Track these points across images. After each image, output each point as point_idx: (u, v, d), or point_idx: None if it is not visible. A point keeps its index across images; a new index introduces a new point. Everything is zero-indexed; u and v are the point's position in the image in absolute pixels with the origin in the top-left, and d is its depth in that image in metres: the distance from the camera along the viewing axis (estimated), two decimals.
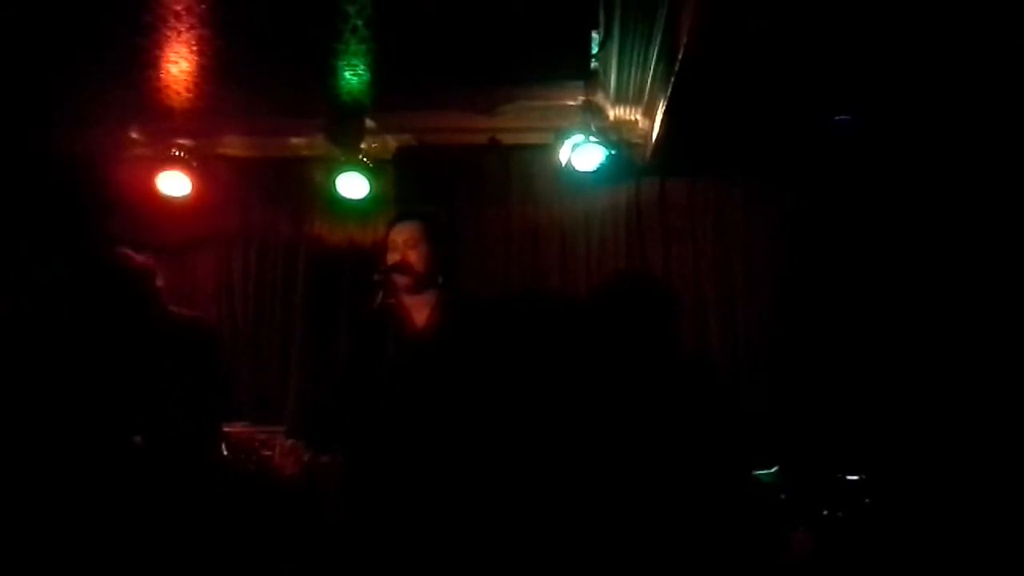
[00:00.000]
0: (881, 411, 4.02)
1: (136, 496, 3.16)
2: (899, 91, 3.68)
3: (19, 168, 4.61)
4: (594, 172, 4.39)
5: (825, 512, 3.51)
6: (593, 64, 3.91)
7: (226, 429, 3.66)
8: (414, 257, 3.17)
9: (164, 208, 4.56)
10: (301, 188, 4.80)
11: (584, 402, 4.23)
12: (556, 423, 4.10)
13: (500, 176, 4.74)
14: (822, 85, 3.64)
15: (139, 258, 3.54)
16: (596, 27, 3.57)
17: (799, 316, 4.36)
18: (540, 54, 3.85)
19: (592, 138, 4.29)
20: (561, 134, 4.37)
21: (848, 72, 3.52)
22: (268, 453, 3.05)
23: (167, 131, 4.56)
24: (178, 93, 4.16)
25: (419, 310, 3.23)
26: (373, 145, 4.67)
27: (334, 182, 4.54)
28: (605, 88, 4.25)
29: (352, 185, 4.55)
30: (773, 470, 3.68)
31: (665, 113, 3.89)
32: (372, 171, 4.54)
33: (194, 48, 3.71)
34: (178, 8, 3.37)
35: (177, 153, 4.53)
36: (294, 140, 4.82)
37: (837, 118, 3.97)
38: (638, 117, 4.55)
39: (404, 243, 3.18)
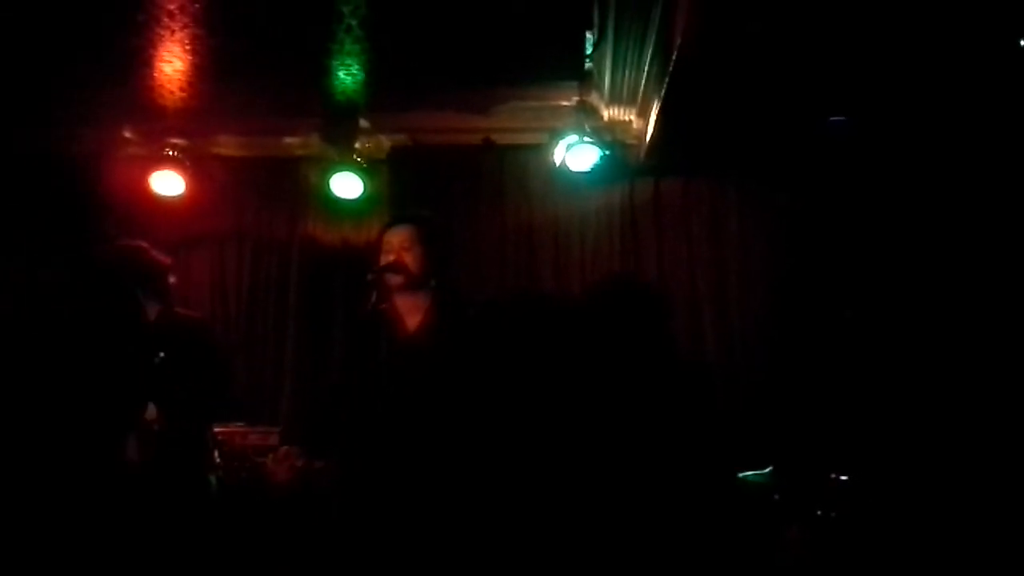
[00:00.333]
0: (875, 411, 4.03)
1: (130, 503, 3.16)
2: (893, 92, 3.69)
3: (12, 168, 4.59)
4: (588, 172, 4.39)
5: (819, 512, 3.51)
6: (587, 64, 3.91)
7: (220, 430, 3.66)
8: (408, 259, 3.17)
9: (158, 208, 4.54)
10: (295, 188, 4.79)
11: (578, 403, 4.23)
12: (551, 425, 4.10)
13: (494, 176, 4.75)
14: (816, 86, 3.65)
15: (156, 253, 3.54)
16: (590, 28, 3.57)
17: (793, 316, 4.37)
18: (534, 54, 3.85)
19: (586, 138, 4.29)
20: (555, 134, 4.37)
21: (842, 73, 3.53)
22: (261, 460, 3.03)
23: (161, 131, 4.55)
24: (172, 92, 4.15)
25: (412, 312, 3.23)
26: (367, 145, 4.66)
27: (328, 182, 4.53)
28: (599, 89, 4.25)
29: (346, 185, 4.54)
30: (767, 470, 3.68)
31: (659, 113, 3.90)
32: (366, 171, 4.54)
33: (188, 47, 3.71)
34: (171, 7, 3.37)
35: (171, 153, 4.52)
36: (288, 140, 4.81)
37: (831, 119, 3.97)
38: (632, 117, 4.56)
39: (399, 244, 3.19)
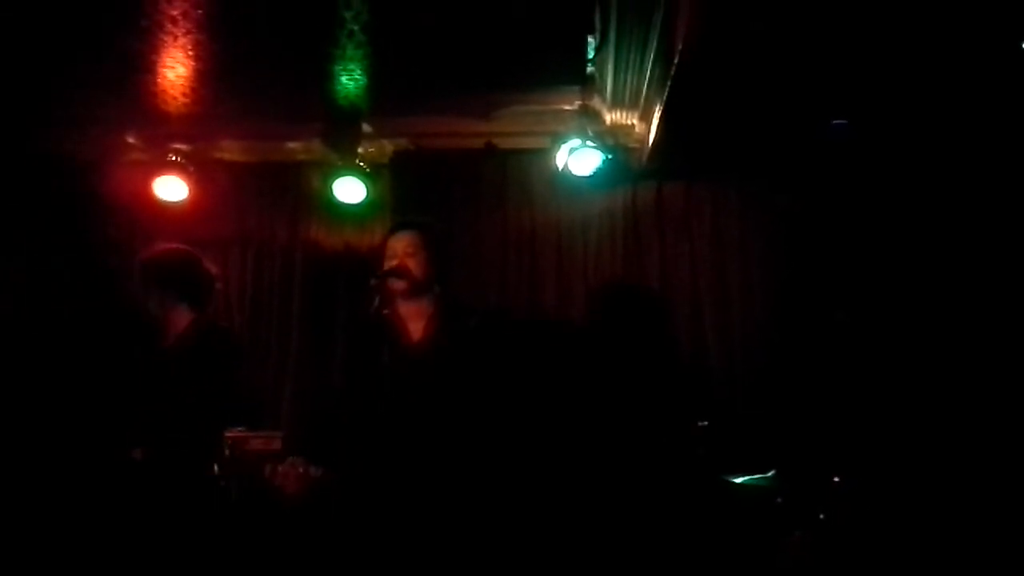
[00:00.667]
0: (877, 415, 4.02)
1: (131, 511, 3.15)
2: (895, 95, 3.69)
3: (16, 172, 4.60)
4: (591, 176, 4.39)
5: (821, 516, 3.50)
6: (589, 69, 3.91)
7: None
8: (412, 264, 3.19)
9: (161, 213, 4.55)
10: (298, 193, 4.79)
11: (581, 408, 4.23)
12: (552, 431, 4.10)
13: (497, 180, 4.74)
14: (817, 89, 3.65)
15: (207, 261, 3.58)
16: (592, 32, 3.58)
17: (795, 319, 4.36)
18: (536, 59, 3.86)
19: (589, 142, 4.29)
20: (558, 138, 4.37)
21: (843, 77, 3.53)
22: (265, 466, 3.01)
23: (164, 136, 4.55)
24: (175, 98, 4.16)
25: (415, 318, 3.24)
26: (370, 150, 4.67)
27: (331, 186, 4.54)
28: (601, 92, 4.26)
29: (349, 189, 4.54)
30: (769, 474, 3.67)
31: (661, 117, 3.90)
32: (369, 175, 4.54)
33: (191, 53, 3.72)
34: (175, 13, 3.38)
35: (174, 158, 4.52)
36: (291, 145, 4.81)
37: (833, 122, 3.97)
38: (634, 121, 4.56)
39: (403, 250, 3.20)
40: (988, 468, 3.73)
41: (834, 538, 3.44)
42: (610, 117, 4.51)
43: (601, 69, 3.98)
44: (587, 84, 4.12)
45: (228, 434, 3.23)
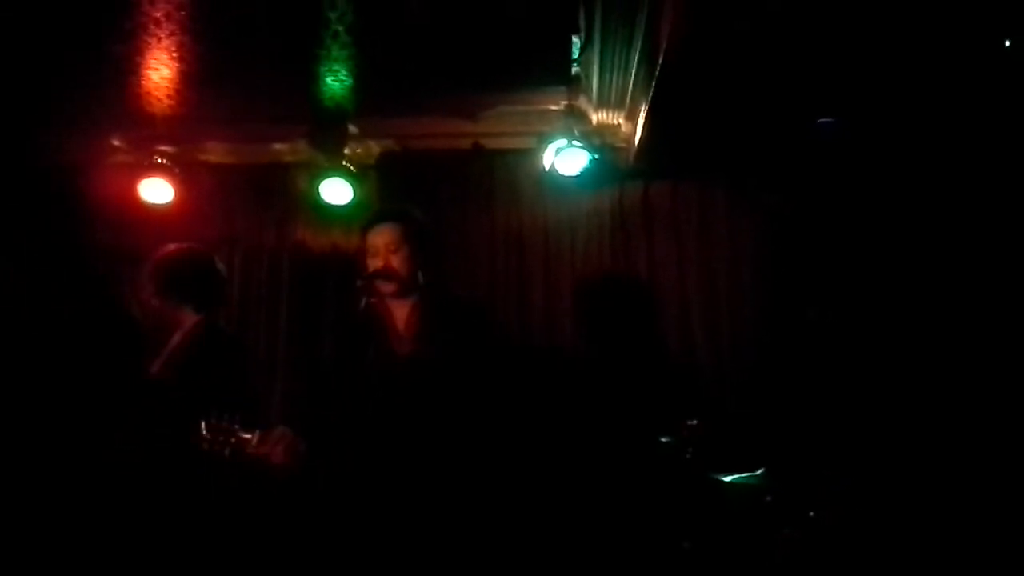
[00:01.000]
0: (867, 412, 4.03)
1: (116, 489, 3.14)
2: (883, 93, 3.70)
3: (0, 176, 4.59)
4: (578, 176, 4.39)
5: (811, 514, 3.51)
6: (575, 69, 3.91)
7: None
8: (396, 262, 3.16)
9: (146, 215, 4.53)
10: (284, 194, 4.77)
11: (569, 407, 4.24)
12: (542, 429, 4.10)
13: (484, 181, 4.74)
14: (804, 88, 3.65)
15: (219, 264, 3.57)
16: (577, 32, 3.58)
17: (783, 317, 4.37)
18: (522, 59, 3.86)
19: (575, 142, 4.28)
20: (544, 138, 4.36)
21: (830, 75, 3.53)
22: (246, 436, 2.91)
23: (149, 138, 4.53)
24: (159, 100, 4.15)
25: (402, 313, 3.23)
26: (356, 151, 4.65)
27: (317, 188, 4.52)
28: (587, 92, 4.26)
29: (336, 191, 4.53)
30: (759, 472, 3.68)
31: (647, 117, 3.90)
32: (356, 177, 4.52)
33: (175, 55, 3.70)
34: (158, 15, 3.37)
35: (159, 160, 4.51)
36: (277, 146, 4.80)
37: (820, 120, 3.98)
38: (621, 121, 4.56)
39: (385, 247, 3.17)
40: (974, 464, 3.74)
41: (824, 536, 3.45)
42: (596, 117, 4.52)
43: (587, 69, 3.98)
44: (573, 84, 4.12)
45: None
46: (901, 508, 3.60)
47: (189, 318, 3.43)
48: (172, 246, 3.53)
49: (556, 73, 3.98)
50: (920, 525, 3.54)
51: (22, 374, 4.04)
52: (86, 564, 3.25)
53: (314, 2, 3.33)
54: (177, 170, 4.53)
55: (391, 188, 4.68)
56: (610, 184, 4.65)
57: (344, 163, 4.52)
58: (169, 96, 4.11)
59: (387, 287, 3.16)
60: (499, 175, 4.74)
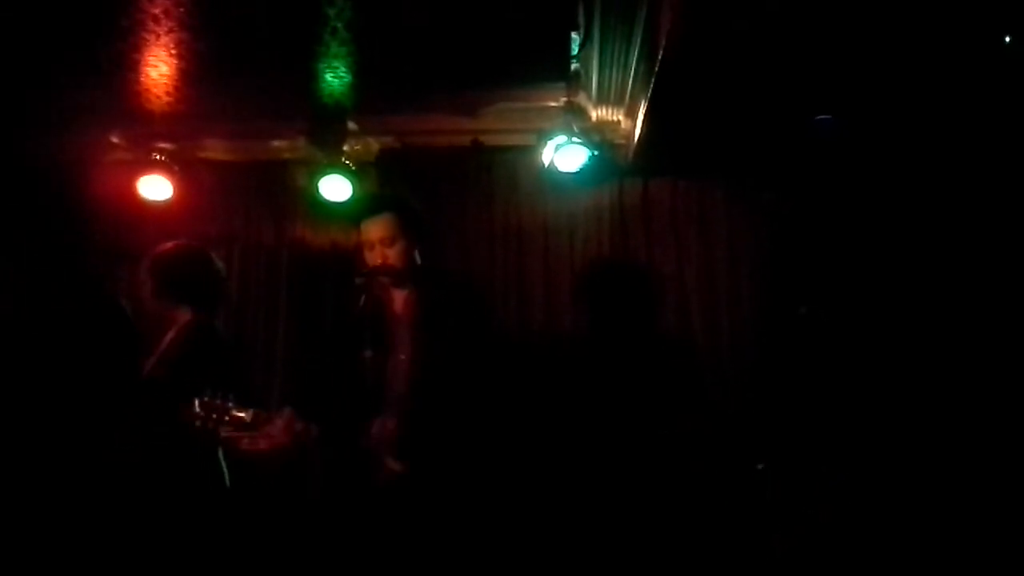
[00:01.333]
0: (865, 410, 4.04)
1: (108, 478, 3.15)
2: (881, 90, 3.70)
3: None
4: (577, 173, 4.39)
5: (809, 511, 3.52)
6: (574, 65, 3.91)
7: None
8: (393, 256, 3.19)
9: (145, 212, 4.54)
10: (284, 191, 4.78)
11: (569, 404, 4.24)
12: (541, 426, 4.11)
13: (483, 178, 4.75)
14: (803, 85, 3.65)
15: (218, 262, 3.58)
16: (576, 28, 3.57)
17: (782, 315, 4.38)
18: (521, 56, 3.85)
19: (575, 139, 4.28)
20: (544, 135, 4.36)
21: (829, 72, 3.53)
22: (240, 414, 2.90)
23: (148, 135, 4.54)
24: (158, 97, 4.13)
25: (400, 303, 3.25)
26: (356, 147, 4.65)
27: (317, 185, 4.52)
28: (587, 89, 4.25)
29: (335, 187, 4.53)
30: (758, 468, 3.69)
31: (647, 113, 3.90)
32: (355, 173, 4.52)
33: (173, 51, 3.69)
34: (156, 12, 3.35)
35: (158, 157, 4.51)
36: (276, 143, 4.80)
37: (818, 118, 3.98)
38: (620, 118, 4.56)
39: (380, 241, 3.20)
40: (968, 460, 3.75)
41: (821, 533, 3.46)
42: (595, 114, 4.51)
43: (586, 66, 3.97)
44: (572, 81, 4.11)
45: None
46: (896, 503, 3.61)
47: (183, 316, 3.43)
48: (170, 244, 3.53)
49: (555, 70, 3.97)
50: (914, 520, 3.55)
51: (20, 373, 4.04)
52: (86, 564, 3.25)
53: None
54: (176, 167, 4.53)
55: (390, 185, 4.68)
56: (609, 181, 4.66)
57: (343, 160, 4.52)
58: (168, 93, 4.09)
59: (385, 281, 3.19)
60: (498, 172, 4.74)
